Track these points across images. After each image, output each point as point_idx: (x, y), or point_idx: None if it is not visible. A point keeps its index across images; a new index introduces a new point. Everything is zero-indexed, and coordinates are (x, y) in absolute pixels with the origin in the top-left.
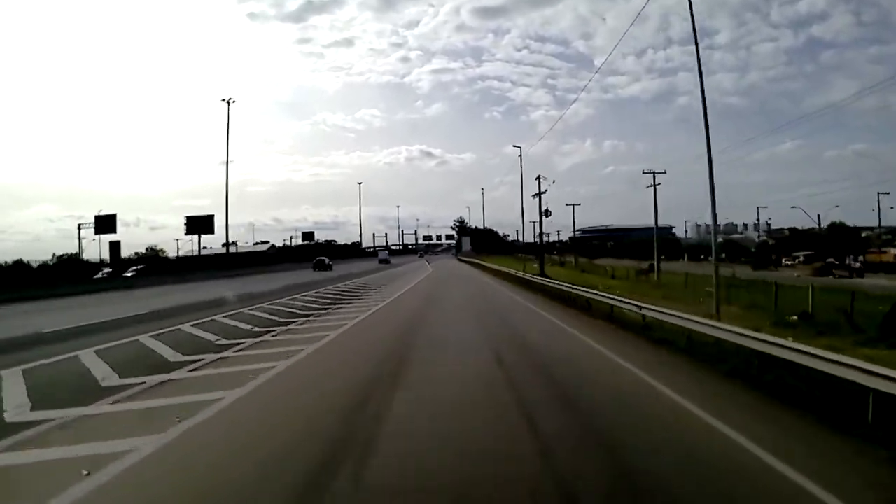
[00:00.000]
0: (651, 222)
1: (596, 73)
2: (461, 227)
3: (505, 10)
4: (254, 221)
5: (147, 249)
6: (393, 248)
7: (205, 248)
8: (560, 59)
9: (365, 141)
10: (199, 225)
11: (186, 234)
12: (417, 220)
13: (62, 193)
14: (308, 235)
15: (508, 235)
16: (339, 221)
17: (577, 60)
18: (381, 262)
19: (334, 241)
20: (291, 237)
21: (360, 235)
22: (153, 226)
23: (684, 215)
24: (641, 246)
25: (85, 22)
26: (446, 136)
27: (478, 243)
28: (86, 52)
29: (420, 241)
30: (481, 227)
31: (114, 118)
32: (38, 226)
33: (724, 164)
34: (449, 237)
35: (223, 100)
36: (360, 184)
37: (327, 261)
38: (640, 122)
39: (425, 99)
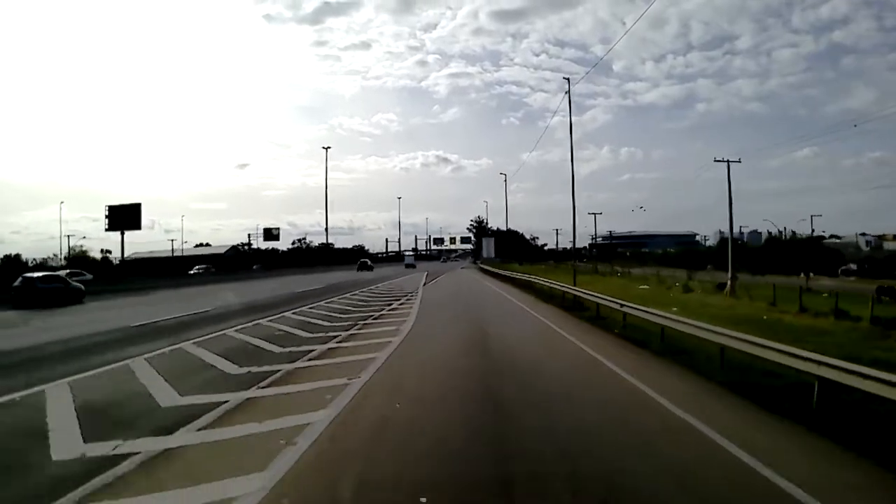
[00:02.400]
0: (673, 229)
1: (590, 70)
2: (479, 227)
3: (524, 13)
4: (269, 226)
5: (71, 250)
6: (404, 253)
7: (173, 249)
8: (579, 65)
9: (381, 146)
10: (123, 218)
11: (108, 229)
12: (427, 218)
13: (78, 194)
14: (270, 233)
15: (537, 238)
16: (354, 226)
17: (596, 65)
18: (406, 266)
19: (332, 243)
20: (250, 235)
21: (326, 235)
22: (168, 228)
23: (702, 222)
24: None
25: (103, 24)
26: (463, 142)
27: (501, 248)
28: (103, 54)
29: (432, 247)
30: (492, 233)
31: (130, 121)
32: (53, 226)
33: (735, 170)
34: (465, 240)
35: None
36: (326, 148)
37: (369, 262)
38: (658, 130)
39: (442, 103)
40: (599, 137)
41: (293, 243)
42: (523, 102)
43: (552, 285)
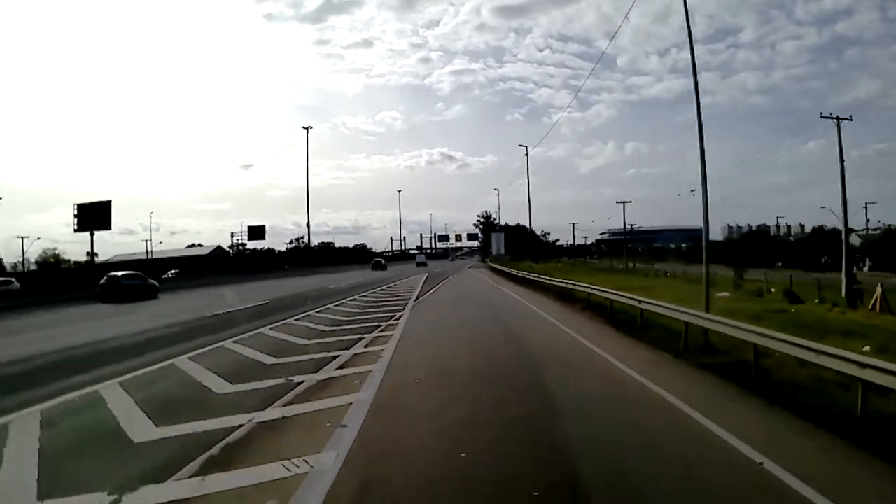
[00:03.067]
0: (681, 223)
1: (596, 66)
2: (487, 223)
3: (527, 8)
4: (274, 225)
5: (43, 253)
6: (409, 251)
7: (142, 253)
8: (583, 59)
9: (385, 144)
10: (93, 217)
11: (77, 230)
12: (431, 214)
13: (81, 198)
14: (256, 231)
15: (549, 234)
16: (359, 226)
17: (600, 60)
18: (418, 264)
19: (332, 243)
20: (232, 234)
21: (308, 233)
22: (173, 230)
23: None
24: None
25: (105, 26)
26: (467, 139)
27: (511, 244)
28: (105, 56)
29: (437, 245)
30: (500, 229)
31: (133, 122)
32: (57, 230)
33: (741, 167)
34: (472, 236)
35: None
36: (307, 128)
37: (383, 262)
38: (663, 124)
39: (446, 101)
40: (604, 133)
41: (290, 243)
42: (527, 98)
43: (655, 308)
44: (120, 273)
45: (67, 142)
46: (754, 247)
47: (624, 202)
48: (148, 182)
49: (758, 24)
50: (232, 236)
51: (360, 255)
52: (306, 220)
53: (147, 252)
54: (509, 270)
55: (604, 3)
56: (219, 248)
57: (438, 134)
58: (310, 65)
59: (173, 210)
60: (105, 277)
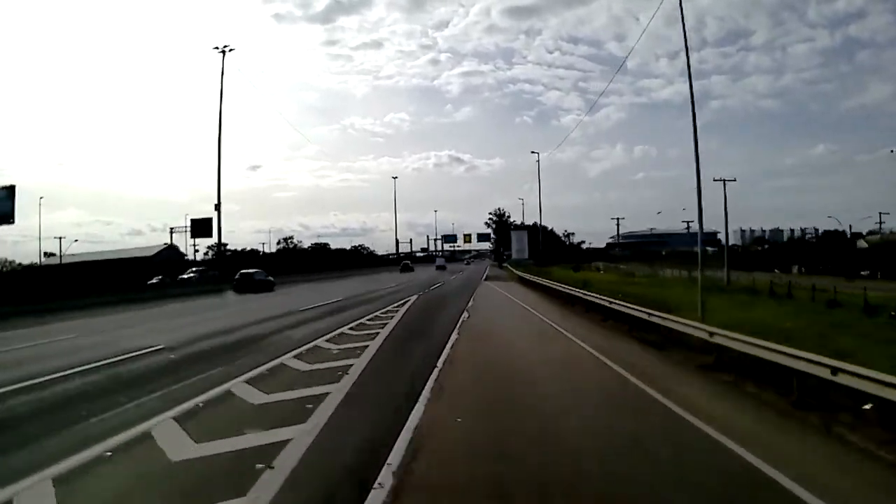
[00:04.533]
0: (693, 227)
1: (615, 75)
2: (500, 221)
3: (537, 9)
4: (281, 227)
5: None
6: (418, 255)
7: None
8: (592, 62)
9: (394, 146)
10: None
11: None
12: (436, 211)
13: (91, 198)
14: (200, 225)
15: (572, 235)
16: (367, 228)
17: (609, 63)
18: (438, 268)
19: (327, 244)
20: (172, 230)
21: (219, 236)
22: (179, 231)
23: (720, 221)
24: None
25: (112, 25)
26: (476, 141)
27: (531, 247)
28: (114, 56)
29: (445, 246)
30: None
31: (140, 122)
32: (67, 230)
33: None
34: (482, 237)
35: None
36: (223, 51)
37: (410, 264)
38: (673, 128)
39: (455, 103)
40: (613, 136)
41: (278, 243)
42: (537, 101)
43: None
44: (251, 270)
45: (73, 141)
46: (832, 252)
47: (725, 179)
48: (155, 182)
49: (770, 26)
50: (172, 231)
51: (358, 259)
52: (340, 226)
53: (40, 253)
54: (566, 288)
55: (614, 5)
56: (170, 246)
57: (447, 136)
58: (318, 66)
59: (180, 210)
60: (239, 274)
